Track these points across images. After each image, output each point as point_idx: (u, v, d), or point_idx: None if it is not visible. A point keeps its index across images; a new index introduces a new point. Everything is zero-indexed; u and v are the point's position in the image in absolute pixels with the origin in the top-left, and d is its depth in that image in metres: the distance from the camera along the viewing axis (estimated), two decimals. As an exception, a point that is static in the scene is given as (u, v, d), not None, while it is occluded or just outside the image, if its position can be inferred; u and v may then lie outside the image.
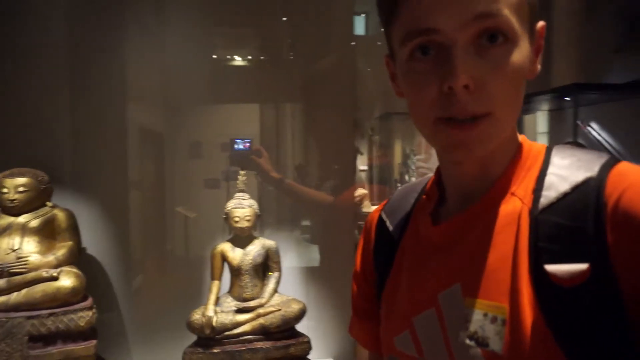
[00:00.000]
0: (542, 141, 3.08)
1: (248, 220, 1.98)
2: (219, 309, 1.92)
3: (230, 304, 1.95)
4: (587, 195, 0.50)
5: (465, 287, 0.55)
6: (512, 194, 0.56)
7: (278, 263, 2.04)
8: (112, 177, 2.24)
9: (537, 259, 0.50)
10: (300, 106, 2.55)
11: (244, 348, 1.87)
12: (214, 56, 2.51)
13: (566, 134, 2.91)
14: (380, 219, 0.73)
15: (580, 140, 2.71)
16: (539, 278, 0.50)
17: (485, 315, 0.53)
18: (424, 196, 0.68)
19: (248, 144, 2.25)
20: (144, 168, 2.45)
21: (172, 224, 2.48)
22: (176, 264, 2.52)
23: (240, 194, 2.03)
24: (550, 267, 0.49)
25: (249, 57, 2.54)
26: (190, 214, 2.41)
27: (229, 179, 2.34)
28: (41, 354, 1.75)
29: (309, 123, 2.51)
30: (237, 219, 1.97)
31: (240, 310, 1.92)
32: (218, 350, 1.86)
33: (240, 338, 1.88)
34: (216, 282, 2.00)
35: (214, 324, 1.85)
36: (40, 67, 2.13)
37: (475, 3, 0.50)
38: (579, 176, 0.52)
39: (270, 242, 2.04)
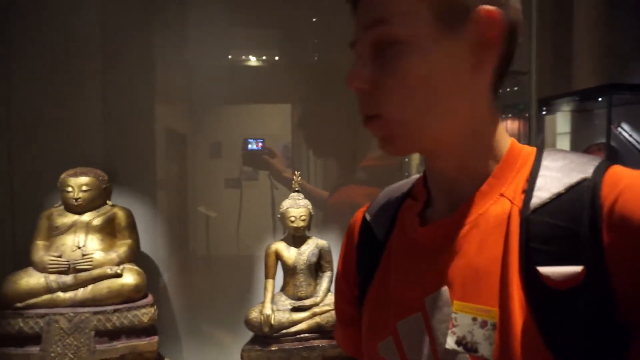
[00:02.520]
0: (564, 142, 3.05)
1: (303, 220, 2.00)
2: (275, 307, 1.94)
3: (285, 302, 1.98)
4: (581, 197, 0.49)
5: (452, 290, 0.54)
6: (501, 194, 0.55)
7: (330, 262, 2.06)
8: (142, 176, 2.28)
9: (529, 260, 0.49)
10: (322, 106, 2.50)
11: (300, 346, 1.89)
12: (241, 57, 2.52)
13: (592, 135, 2.88)
14: (363, 220, 0.71)
15: (612, 143, 2.67)
16: (531, 280, 0.48)
17: (474, 319, 0.51)
18: (410, 197, 0.67)
19: (261, 144, 2.27)
20: (169, 168, 2.47)
21: (195, 223, 2.49)
22: (197, 264, 2.53)
23: (295, 194, 2.05)
24: (543, 269, 0.48)
25: (272, 58, 2.54)
26: (211, 213, 2.45)
27: (241, 178, 2.36)
28: (107, 349, 1.80)
29: (331, 123, 2.47)
30: (292, 218, 2.00)
31: (295, 309, 1.94)
32: (275, 348, 1.89)
33: (297, 336, 1.91)
34: (271, 281, 2.03)
35: (272, 322, 1.88)
36: (73, 70, 2.19)
37: (367, 14, 0.53)
38: (573, 177, 0.51)
39: (322, 242, 2.06)
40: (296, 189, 2.06)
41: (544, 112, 2.97)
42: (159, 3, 2.33)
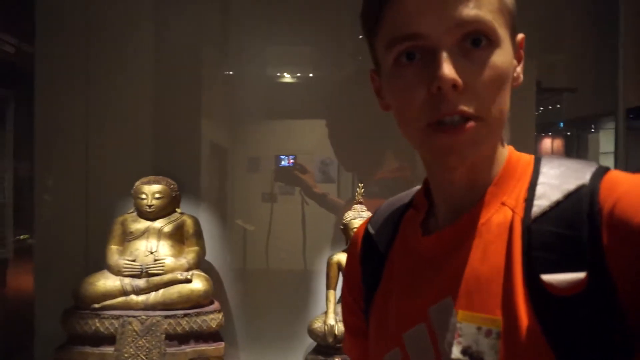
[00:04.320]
0: (607, 161, 2.95)
1: (367, 232, 2.02)
2: (337, 318, 1.96)
3: (347, 313, 1.99)
4: (580, 203, 0.49)
5: (457, 300, 0.54)
6: (503, 203, 0.56)
7: (391, 275, 2.06)
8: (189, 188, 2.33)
9: (532, 268, 0.49)
10: (366, 123, 2.48)
11: (364, 358, 1.89)
12: (279, 73, 2.57)
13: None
14: (366, 232, 0.70)
15: None
16: (535, 288, 0.48)
17: (478, 328, 0.51)
18: (411, 208, 0.67)
19: (292, 160, 2.33)
20: (212, 181, 2.52)
21: (232, 235, 2.50)
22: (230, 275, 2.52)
23: (359, 205, 2.08)
24: (547, 277, 0.48)
25: (310, 75, 2.58)
26: (248, 227, 2.49)
27: (278, 193, 2.41)
28: (177, 352, 1.85)
29: (371, 139, 2.46)
30: (356, 230, 2.01)
31: (358, 320, 1.95)
32: (339, 359, 1.90)
33: (360, 348, 1.91)
34: (332, 292, 2.05)
35: (336, 332, 1.89)
36: (129, 87, 2.31)
37: (458, 8, 0.51)
38: (571, 184, 0.51)
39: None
40: (359, 200, 2.09)
41: (592, 130, 2.91)
42: (204, 19, 2.41)
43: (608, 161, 2.97)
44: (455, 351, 0.52)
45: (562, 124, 2.80)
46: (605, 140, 2.97)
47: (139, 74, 2.34)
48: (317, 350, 1.95)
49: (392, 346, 0.60)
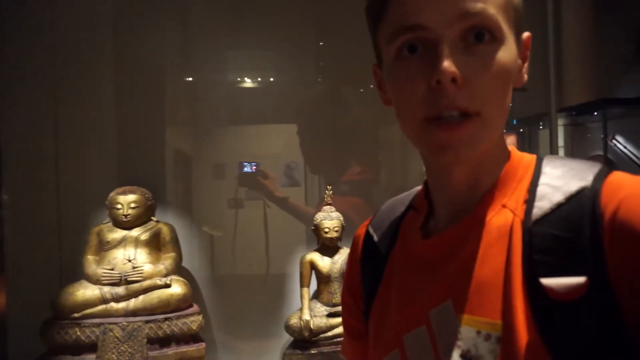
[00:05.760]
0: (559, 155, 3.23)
1: (337, 231, 2.15)
2: (312, 313, 2.08)
3: (321, 309, 2.12)
4: (582, 206, 0.48)
5: (456, 303, 0.53)
6: (503, 206, 0.55)
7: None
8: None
9: (532, 272, 0.48)
10: (327, 126, 2.62)
11: (338, 349, 2.02)
12: (242, 78, 2.63)
13: (588, 148, 3.07)
14: (367, 233, 0.70)
15: (609, 155, 2.87)
16: (534, 292, 0.48)
17: (478, 332, 0.50)
18: (412, 210, 0.66)
19: (255, 167, 2.48)
20: (177, 189, 2.57)
21: (199, 242, 2.55)
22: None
23: (328, 207, 2.21)
24: (546, 281, 0.47)
25: (268, 79, 2.67)
26: (216, 233, 2.56)
27: (239, 198, 2.53)
28: (159, 355, 1.92)
29: (335, 142, 2.59)
30: (326, 229, 2.15)
31: (331, 315, 2.08)
32: (315, 352, 2.02)
33: (334, 340, 2.04)
34: (306, 289, 2.17)
35: (311, 327, 2.01)
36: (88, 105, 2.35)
37: (462, 0, 0.50)
38: (573, 186, 0.50)
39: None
40: (328, 202, 2.22)
41: (541, 127, 3.18)
42: (165, 26, 2.46)
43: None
44: (455, 355, 0.51)
45: (515, 122, 3.05)
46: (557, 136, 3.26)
47: (102, 84, 2.37)
48: (294, 345, 2.06)
49: (391, 348, 0.59)
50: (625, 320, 0.45)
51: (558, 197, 0.50)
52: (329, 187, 2.24)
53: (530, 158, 0.58)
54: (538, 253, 0.49)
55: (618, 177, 0.50)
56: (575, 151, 3.21)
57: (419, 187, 0.68)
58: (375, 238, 0.68)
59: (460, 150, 0.52)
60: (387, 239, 0.66)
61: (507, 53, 0.52)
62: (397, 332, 0.59)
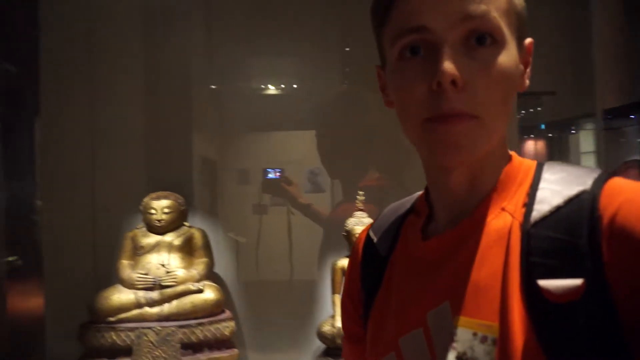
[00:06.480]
0: (589, 161, 3.11)
1: (369, 237, 2.13)
2: (344, 320, 2.06)
3: (353, 316, 2.09)
4: (581, 209, 0.49)
5: (454, 305, 0.53)
6: (503, 209, 0.55)
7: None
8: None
9: (529, 274, 0.49)
10: (352, 133, 2.59)
11: (371, 357, 1.99)
12: (266, 85, 2.65)
13: (623, 153, 2.97)
14: (367, 237, 0.70)
15: None
16: (531, 294, 0.48)
17: (474, 334, 0.50)
18: (413, 213, 0.67)
19: (279, 173, 2.47)
20: (203, 194, 2.57)
21: (224, 247, 2.54)
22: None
23: (360, 212, 2.18)
24: (543, 283, 0.47)
25: (294, 86, 2.67)
26: (240, 239, 2.57)
27: (263, 204, 2.53)
28: (192, 360, 1.92)
29: (363, 148, 2.55)
30: (357, 235, 2.12)
31: (364, 322, 2.05)
32: None
33: (367, 348, 2.01)
34: (337, 296, 2.14)
35: (344, 334, 1.99)
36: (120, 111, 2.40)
37: (464, 3, 0.51)
38: (572, 190, 0.51)
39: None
40: (360, 207, 2.20)
41: (573, 131, 3.09)
42: (191, 32, 2.49)
43: (588, 160, 3.15)
44: (451, 357, 0.51)
45: (543, 126, 2.97)
46: (584, 141, 3.16)
47: (132, 93, 2.42)
48: (326, 353, 2.04)
49: (388, 351, 0.59)
50: (622, 322, 0.45)
51: (557, 200, 0.51)
52: (361, 192, 2.22)
53: (530, 163, 0.59)
54: (536, 255, 0.49)
55: (617, 182, 0.50)
56: (609, 156, 3.12)
57: (420, 192, 0.68)
58: (376, 242, 0.68)
59: (458, 146, 0.52)
60: (387, 242, 0.67)
61: (508, 57, 0.53)
62: (394, 335, 0.59)
